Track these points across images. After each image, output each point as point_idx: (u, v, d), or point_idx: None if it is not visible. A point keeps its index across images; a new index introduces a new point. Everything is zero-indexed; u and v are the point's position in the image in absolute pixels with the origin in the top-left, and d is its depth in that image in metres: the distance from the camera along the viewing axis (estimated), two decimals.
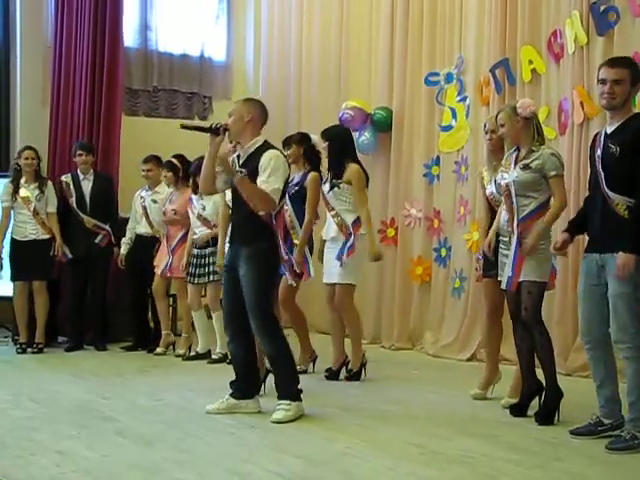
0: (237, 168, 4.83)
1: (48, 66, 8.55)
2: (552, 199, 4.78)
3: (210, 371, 6.57)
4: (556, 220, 4.86)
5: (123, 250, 7.64)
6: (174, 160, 7.39)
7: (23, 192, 7.46)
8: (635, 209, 4.12)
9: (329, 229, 6.19)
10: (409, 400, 5.46)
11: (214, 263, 6.80)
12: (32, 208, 7.43)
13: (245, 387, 4.99)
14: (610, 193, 4.19)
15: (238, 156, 4.95)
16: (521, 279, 4.76)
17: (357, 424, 4.72)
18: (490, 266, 5.21)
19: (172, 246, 7.26)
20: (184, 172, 7.32)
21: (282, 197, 4.90)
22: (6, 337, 8.02)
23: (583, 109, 6.35)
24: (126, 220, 7.77)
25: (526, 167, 4.76)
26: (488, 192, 5.34)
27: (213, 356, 6.97)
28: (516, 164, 4.81)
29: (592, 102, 6.23)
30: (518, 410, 4.92)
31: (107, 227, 7.68)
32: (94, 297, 7.69)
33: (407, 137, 8.13)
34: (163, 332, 7.47)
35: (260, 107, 4.99)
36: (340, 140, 6.19)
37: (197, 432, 4.48)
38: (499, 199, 5.13)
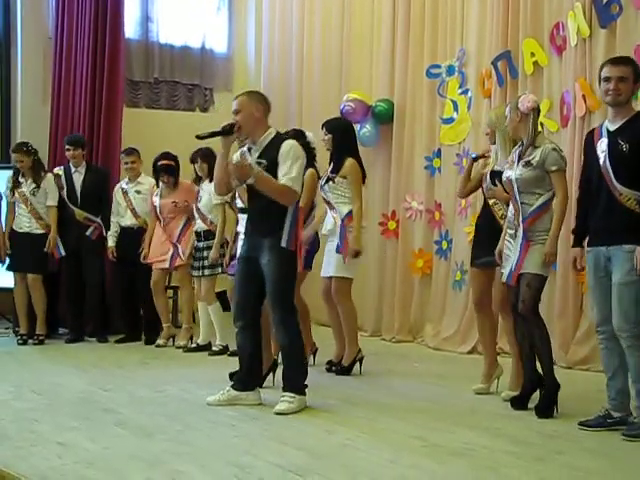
0: (256, 160, 4.82)
1: (49, 58, 8.54)
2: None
3: (211, 363, 6.57)
4: (564, 217, 4.87)
5: (111, 242, 7.62)
6: (165, 162, 7.31)
7: (22, 187, 7.47)
8: None
9: (327, 222, 6.19)
10: (410, 393, 5.46)
11: (207, 258, 6.85)
12: (27, 202, 7.43)
13: (247, 379, 4.99)
14: (622, 188, 4.26)
15: (249, 149, 4.93)
16: (523, 271, 4.77)
17: (358, 416, 4.72)
18: (477, 254, 5.24)
19: (175, 237, 7.26)
20: (178, 166, 7.34)
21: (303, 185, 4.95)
22: (7, 328, 8.04)
23: (585, 102, 6.33)
24: None
25: (527, 164, 4.78)
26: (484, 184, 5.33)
27: (214, 348, 6.98)
28: (519, 161, 4.83)
29: (594, 95, 6.22)
30: (519, 403, 4.92)
31: (98, 220, 7.68)
32: (91, 290, 7.68)
33: (408, 129, 8.11)
34: (164, 325, 7.47)
35: (265, 99, 5.00)
36: (341, 133, 6.18)
37: (198, 424, 4.48)
38: (492, 194, 5.20)
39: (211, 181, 6.83)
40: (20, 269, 7.48)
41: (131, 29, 9.28)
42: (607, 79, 4.31)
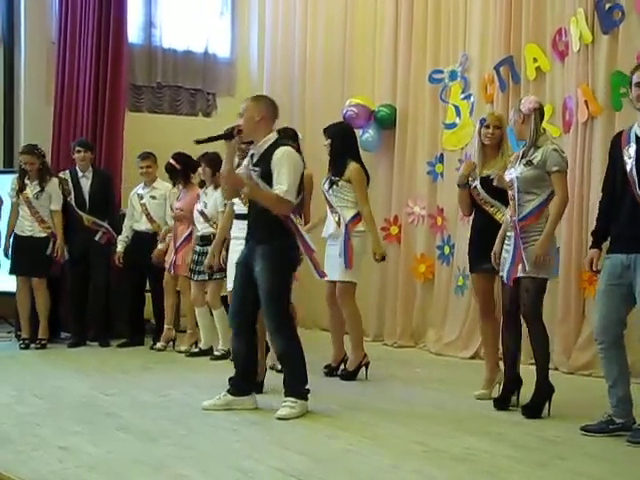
0: (250, 167, 4.83)
1: (52, 62, 8.55)
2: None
3: (213, 367, 6.57)
4: (560, 219, 4.88)
5: (120, 248, 7.62)
6: (172, 161, 7.36)
7: (26, 190, 7.47)
8: None
9: (329, 226, 6.19)
10: (412, 398, 5.46)
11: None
12: (30, 205, 7.44)
13: (243, 384, 5.00)
14: None
15: (252, 155, 4.94)
16: (522, 275, 4.80)
17: (360, 421, 4.72)
18: (478, 261, 5.26)
19: (177, 244, 7.27)
20: (189, 169, 7.33)
21: (299, 193, 4.89)
22: (9, 332, 8.03)
23: (587, 107, 6.34)
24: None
25: (529, 163, 4.80)
26: (473, 186, 5.33)
27: (215, 353, 6.98)
28: (521, 160, 4.85)
29: (596, 101, 6.23)
30: (502, 403, 5.00)
31: (106, 224, 7.68)
32: (96, 294, 7.69)
33: (411, 134, 8.12)
34: (165, 326, 7.48)
35: (270, 104, 4.97)
36: (342, 138, 6.18)
37: (200, 428, 4.49)
38: (484, 196, 5.22)
39: (215, 187, 6.85)
40: (23, 273, 7.48)
41: (134, 34, 9.29)
42: (638, 84, 4.21)
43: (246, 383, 5.02)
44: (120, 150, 8.22)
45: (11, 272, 7.53)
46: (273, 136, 4.92)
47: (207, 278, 6.90)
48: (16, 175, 7.59)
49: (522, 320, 4.96)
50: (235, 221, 5.81)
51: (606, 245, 4.51)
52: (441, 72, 7.82)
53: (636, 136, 4.28)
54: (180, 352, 7.24)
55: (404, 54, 8.19)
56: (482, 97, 7.42)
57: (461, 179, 5.39)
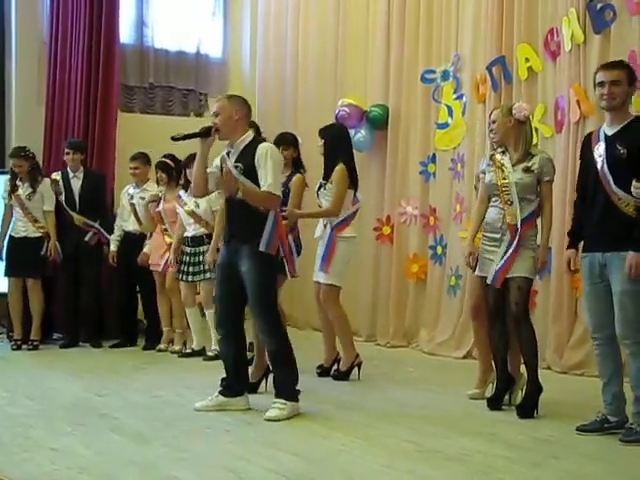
0: (233, 164, 4.83)
1: (43, 63, 8.52)
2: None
3: (205, 368, 6.55)
4: (552, 226, 4.99)
5: (113, 247, 7.62)
6: (167, 160, 7.35)
7: (19, 191, 7.46)
8: None
9: (318, 228, 6.19)
10: (405, 398, 5.45)
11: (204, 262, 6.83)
12: (23, 206, 7.42)
13: (235, 385, 4.99)
14: (621, 193, 4.26)
15: (228, 153, 4.95)
16: (513, 275, 4.86)
17: (353, 421, 4.72)
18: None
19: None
20: (176, 171, 7.32)
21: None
22: (1, 333, 8.01)
23: (579, 107, 6.34)
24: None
25: (528, 170, 4.89)
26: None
27: (208, 353, 6.96)
28: (514, 166, 4.90)
29: (588, 100, 6.23)
30: (495, 403, 5.03)
31: (97, 225, 7.67)
32: (88, 295, 7.67)
33: (403, 134, 8.12)
34: (164, 328, 7.47)
35: (245, 103, 5.01)
36: (336, 140, 6.16)
37: (193, 429, 4.48)
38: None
39: None
40: (17, 274, 7.46)
41: (126, 34, 9.25)
42: (601, 84, 4.34)
43: (238, 384, 5.01)
44: (112, 151, 8.20)
45: (6, 274, 7.51)
46: (250, 134, 4.95)
47: (201, 278, 6.88)
48: (8, 177, 7.57)
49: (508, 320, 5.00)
50: None
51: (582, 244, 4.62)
52: (433, 72, 7.82)
53: (605, 135, 4.39)
54: (174, 352, 7.22)
55: (396, 54, 8.19)
56: (474, 97, 7.42)
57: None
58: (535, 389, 4.89)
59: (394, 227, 8.15)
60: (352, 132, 7.81)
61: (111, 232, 7.68)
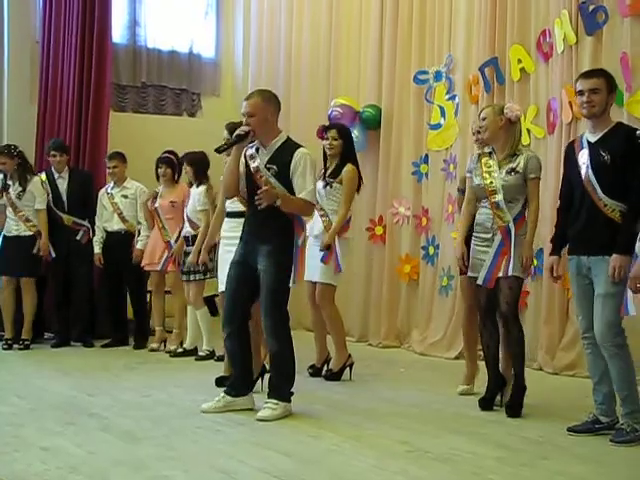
0: (265, 164, 4.78)
1: (36, 62, 8.50)
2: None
3: (197, 368, 6.55)
4: (537, 224, 5.00)
5: (97, 249, 7.60)
6: (171, 156, 7.34)
7: (10, 190, 7.44)
8: (627, 212, 4.24)
9: (314, 227, 6.11)
10: (396, 398, 5.45)
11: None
12: (14, 205, 7.41)
13: (241, 384, 4.96)
14: (607, 199, 4.28)
15: (257, 149, 4.86)
16: (504, 275, 4.88)
17: (344, 422, 4.72)
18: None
19: (174, 240, 7.19)
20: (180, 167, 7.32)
21: None
22: None
23: (572, 108, 6.35)
24: None
25: (513, 171, 4.91)
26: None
27: (200, 353, 6.96)
28: (500, 168, 4.92)
29: None
30: (488, 403, 5.04)
31: (86, 223, 7.66)
32: (79, 294, 7.66)
33: (396, 135, 8.13)
34: (157, 328, 7.46)
35: (278, 101, 4.94)
36: (350, 140, 6.20)
37: (183, 429, 4.47)
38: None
39: (198, 186, 6.84)
40: (10, 273, 7.44)
41: (118, 33, 9.26)
42: (580, 92, 4.38)
43: (244, 384, 4.98)
44: (104, 150, 8.17)
45: (0, 273, 7.48)
46: (284, 135, 4.90)
47: (189, 279, 6.88)
48: (0, 176, 7.55)
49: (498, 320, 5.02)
50: (227, 219, 5.72)
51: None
52: (426, 73, 7.83)
53: (588, 142, 4.41)
54: (169, 352, 7.21)
55: (389, 55, 8.20)
56: (467, 98, 7.44)
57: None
58: (521, 388, 4.93)
59: (386, 227, 8.16)
60: None
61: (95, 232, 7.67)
